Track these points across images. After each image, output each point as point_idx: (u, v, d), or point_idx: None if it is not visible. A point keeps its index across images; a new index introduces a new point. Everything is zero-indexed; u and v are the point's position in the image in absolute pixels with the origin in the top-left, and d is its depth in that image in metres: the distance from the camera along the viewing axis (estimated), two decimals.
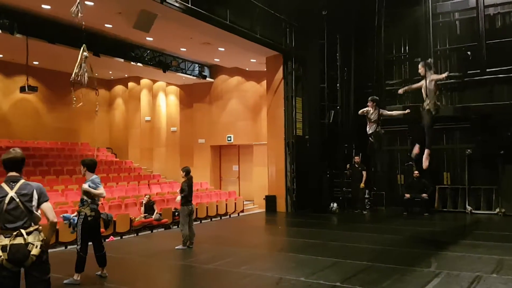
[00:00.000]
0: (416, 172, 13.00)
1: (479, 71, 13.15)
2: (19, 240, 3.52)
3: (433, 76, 8.36)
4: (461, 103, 13.50)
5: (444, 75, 8.66)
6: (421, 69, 8.48)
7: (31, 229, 3.60)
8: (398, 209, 13.19)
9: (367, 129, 9.70)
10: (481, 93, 13.17)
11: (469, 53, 13.39)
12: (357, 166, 13.56)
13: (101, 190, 6.08)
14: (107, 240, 9.66)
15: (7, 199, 3.56)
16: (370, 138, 9.75)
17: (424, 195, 12.78)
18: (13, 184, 3.64)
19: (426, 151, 8.35)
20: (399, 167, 14.60)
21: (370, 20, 13.62)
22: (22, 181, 3.69)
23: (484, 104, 12.83)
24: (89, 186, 6.00)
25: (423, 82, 8.48)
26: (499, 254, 7.26)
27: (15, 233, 3.52)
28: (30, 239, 3.56)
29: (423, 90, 8.49)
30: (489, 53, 12.94)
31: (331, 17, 14.18)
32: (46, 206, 3.73)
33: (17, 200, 3.58)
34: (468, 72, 13.38)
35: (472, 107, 13.01)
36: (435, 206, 13.31)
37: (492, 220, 11.97)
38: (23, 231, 3.55)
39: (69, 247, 8.95)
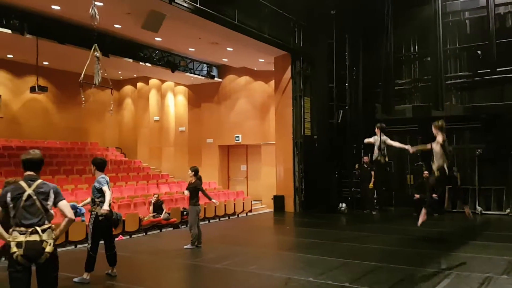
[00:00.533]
0: (426, 172, 12.89)
1: (489, 70, 13.02)
2: (35, 237, 3.64)
3: (438, 138, 7.89)
4: (471, 103, 13.39)
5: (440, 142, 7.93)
6: (434, 131, 7.98)
7: (45, 226, 3.72)
8: (408, 210, 13.10)
9: (373, 154, 10.20)
10: (491, 93, 13.06)
11: (479, 52, 13.28)
12: (366, 166, 13.49)
13: (105, 189, 5.98)
14: (116, 239, 9.70)
15: (24, 196, 3.69)
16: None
17: (434, 195, 12.67)
18: (31, 182, 3.77)
19: (423, 210, 8.15)
20: (409, 167, 14.50)
21: (379, 19, 13.53)
22: (39, 180, 3.83)
23: (495, 104, 12.72)
24: (95, 186, 6.03)
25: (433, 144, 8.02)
26: (510, 255, 7.19)
27: (30, 230, 3.64)
28: (44, 236, 3.68)
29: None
30: (499, 52, 12.79)
31: (339, 17, 14.14)
32: (63, 203, 3.86)
33: (34, 197, 3.71)
34: (478, 71, 13.28)
35: (482, 107, 12.90)
36: (445, 206, 13.20)
37: (503, 221, 11.87)
38: (38, 228, 3.66)
39: (79, 246, 9.04)
